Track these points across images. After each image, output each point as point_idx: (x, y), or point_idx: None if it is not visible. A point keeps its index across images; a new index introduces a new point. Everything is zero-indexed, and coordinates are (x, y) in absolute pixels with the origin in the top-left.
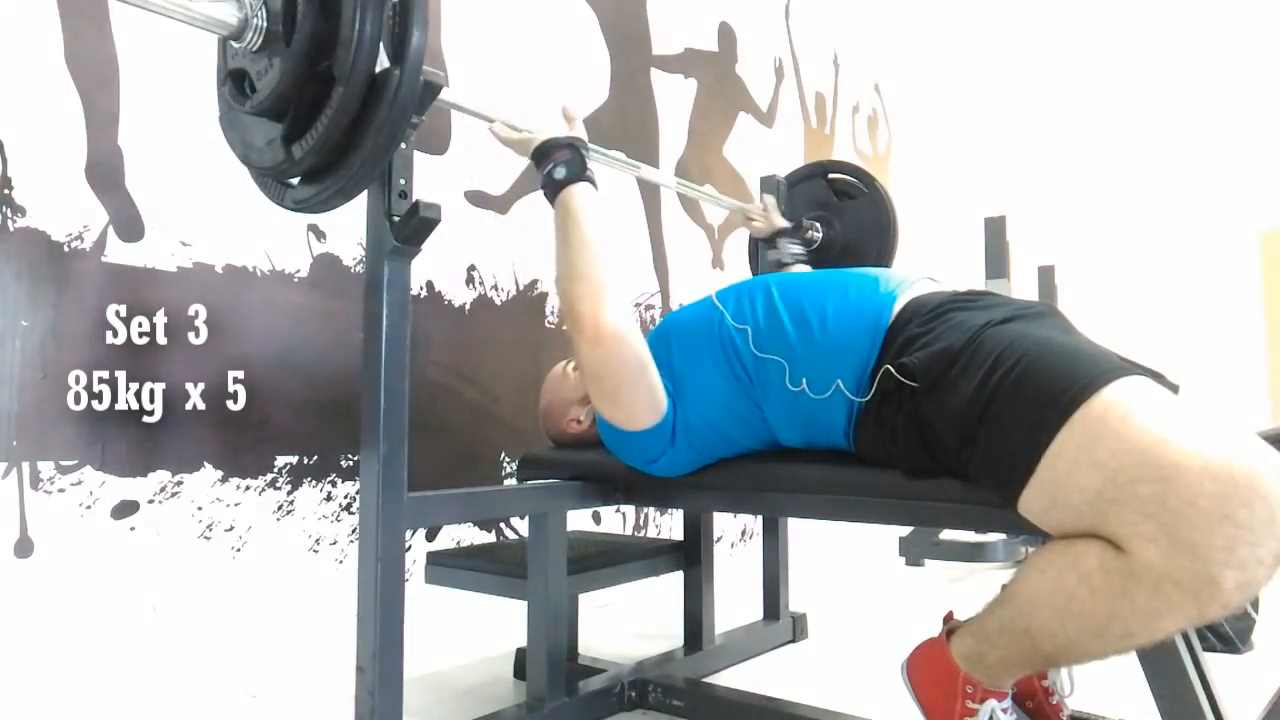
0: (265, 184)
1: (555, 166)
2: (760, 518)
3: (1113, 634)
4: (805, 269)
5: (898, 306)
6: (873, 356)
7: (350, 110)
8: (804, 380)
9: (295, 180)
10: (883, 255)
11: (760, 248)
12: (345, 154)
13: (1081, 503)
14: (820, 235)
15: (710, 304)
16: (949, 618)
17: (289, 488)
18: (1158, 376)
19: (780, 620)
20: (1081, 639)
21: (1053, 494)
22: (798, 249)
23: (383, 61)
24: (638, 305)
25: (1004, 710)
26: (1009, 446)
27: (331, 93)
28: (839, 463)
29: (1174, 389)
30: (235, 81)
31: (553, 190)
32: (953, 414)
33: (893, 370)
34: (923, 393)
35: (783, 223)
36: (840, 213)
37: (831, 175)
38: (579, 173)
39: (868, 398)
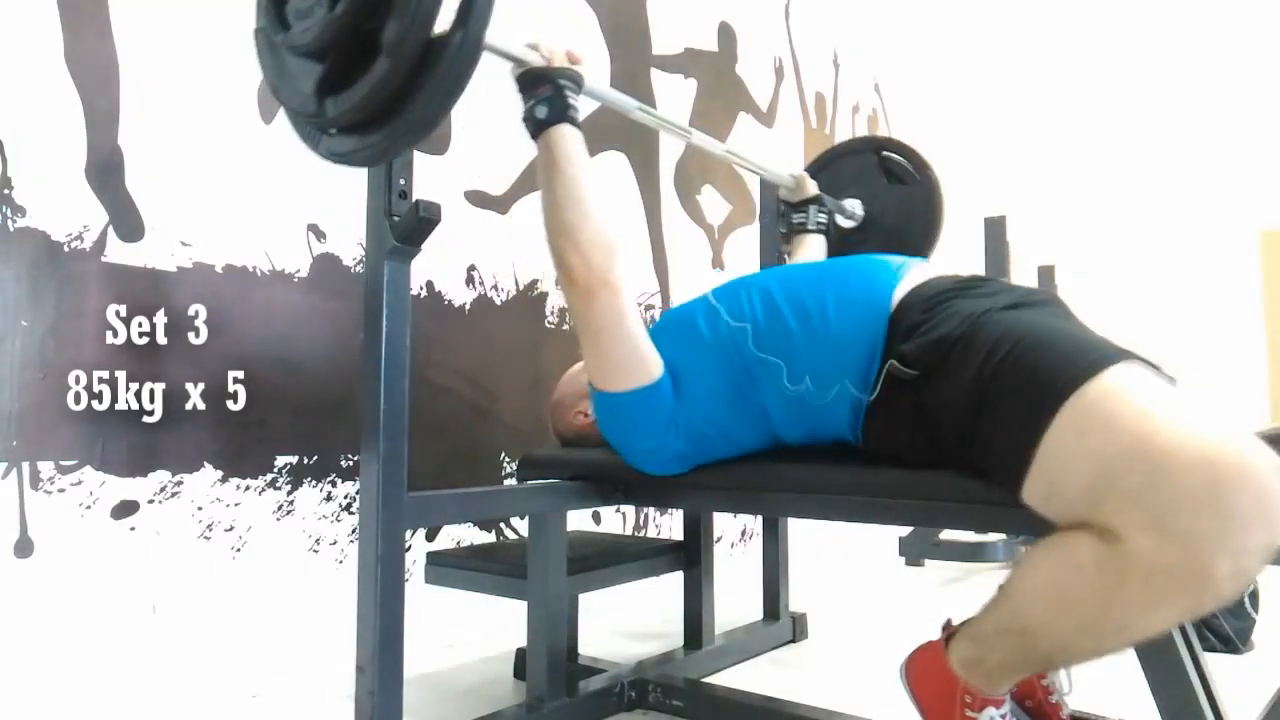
0: (298, 122)
1: (537, 104)
2: (760, 518)
3: (1108, 628)
4: (820, 242)
5: (898, 296)
6: (878, 351)
7: (395, 81)
8: (806, 379)
9: (333, 130)
10: (925, 242)
11: (785, 213)
12: (389, 116)
13: (1077, 491)
14: (862, 214)
15: (707, 302)
16: (947, 625)
17: (289, 488)
18: (1154, 368)
19: (780, 620)
20: (1077, 634)
21: (1050, 482)
22: (823, 218)
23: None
24: (638, 305)
25: (1002, 717)
26: (1007, 436)
27: (376, 57)
28: (839, 462)
29: (1170, 381)
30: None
31: (533, 128)
32: (952, 402)
33: (896, 363)
34: (922, 380)
35: (814, 190)
36: (884, 194)
37: (884, 153)
38: (562, 113)
39: (874, 395)
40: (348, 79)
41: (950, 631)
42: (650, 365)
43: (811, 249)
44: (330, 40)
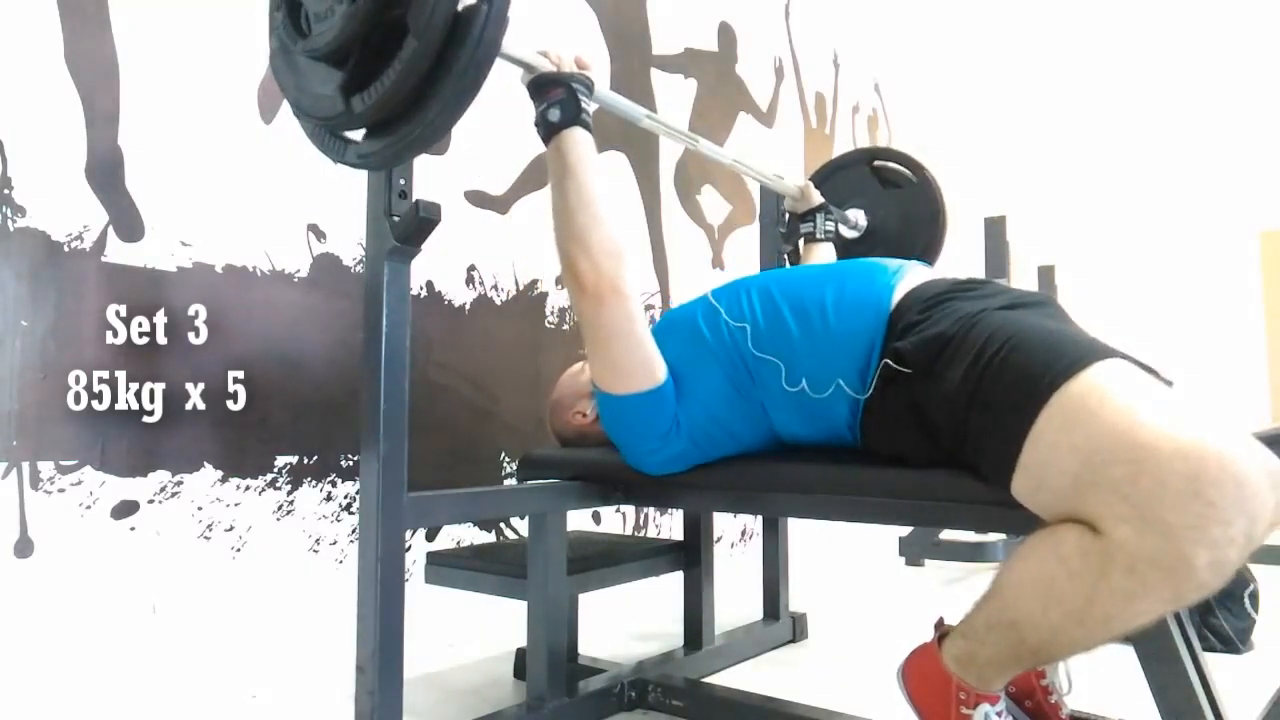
0: (321, 138)
1: (549, 107)
2: (760, 518)
3: (1093, 619)
4: (829, 249)
5: (896, 297)
6: (876, 350)
7: (425, 61)
8: (803, 381)
9: (358, 134)
10: (930, 244)
11: (792, 223)
12: (420, 103)
13: (1063, 485)
14: (865, 223)
15: (707, 302)
16: (940, 624)
17: (289, 488)
18: (1151, 372)
19: (780, 620)
20: (1064, 626)
21: (1038, 477)
22: (831, 225)
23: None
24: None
25: (997, 714)
26: (996, 431)
27: (403, 41)
28: (839, 462)
29: (1168, 385)
30: (290, 11)
31: (545, 131)
32: (945, 399)
33: (891, 362)
34: (917, 378)
35: (819, 199)
36: (885, 201)
37: (876, 163)
38: (574, 116)
39: (869, 393)
40: (374, 73)
41: (943, 630)
42: (655, 368)
43: (822, 256)
44: (354, 34)
